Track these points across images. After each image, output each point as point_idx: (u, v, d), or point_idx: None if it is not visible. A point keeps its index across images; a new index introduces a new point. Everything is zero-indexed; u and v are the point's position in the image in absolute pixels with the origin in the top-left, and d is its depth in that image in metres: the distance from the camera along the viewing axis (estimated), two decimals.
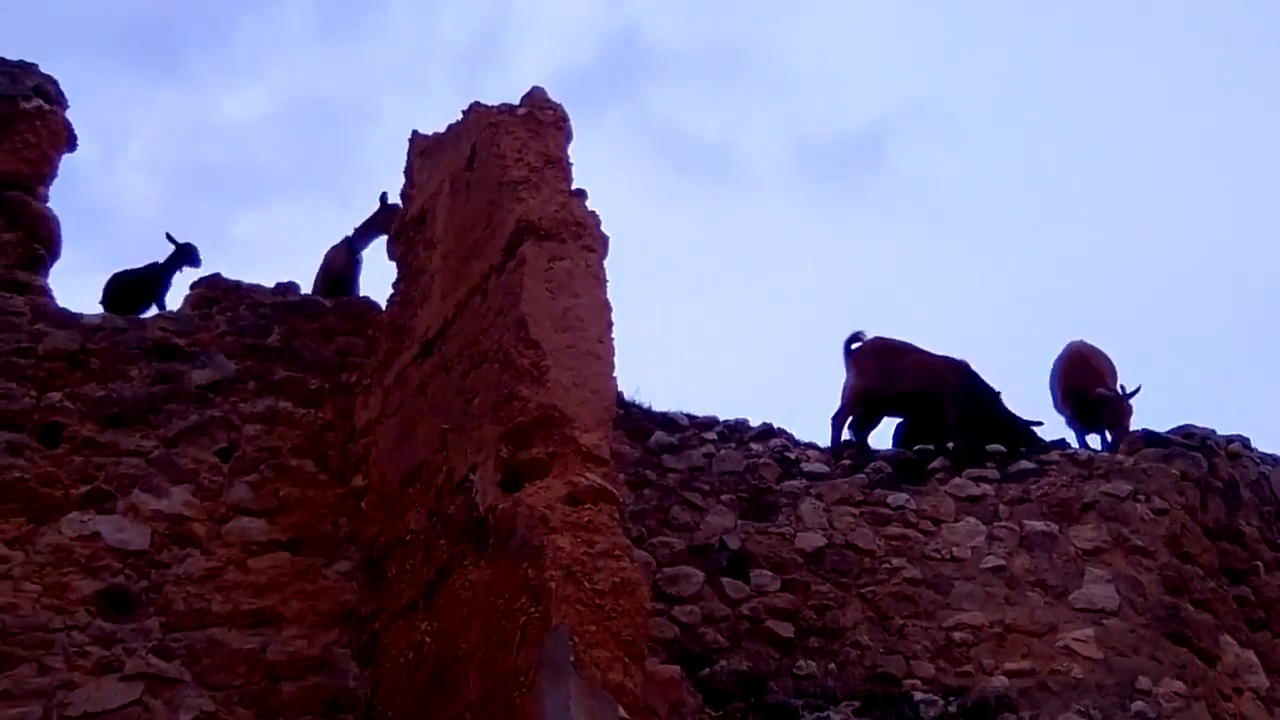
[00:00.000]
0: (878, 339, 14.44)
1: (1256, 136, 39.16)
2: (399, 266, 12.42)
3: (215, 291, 12.44)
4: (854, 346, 14.35)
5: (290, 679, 10.88)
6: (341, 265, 13.94)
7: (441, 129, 12.31)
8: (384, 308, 12.46)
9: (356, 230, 14.11)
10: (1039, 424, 14.18)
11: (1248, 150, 39.30)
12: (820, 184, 41.54)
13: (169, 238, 13.28)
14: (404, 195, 12.72)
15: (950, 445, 13.56)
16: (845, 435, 14.11)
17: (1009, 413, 14.13)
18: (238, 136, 37.78)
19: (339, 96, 40.66)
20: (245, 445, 11.69)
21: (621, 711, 8.58)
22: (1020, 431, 13.98)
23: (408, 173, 12.70)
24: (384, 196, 13.87)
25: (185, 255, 13.27)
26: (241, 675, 10.81)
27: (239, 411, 11.82)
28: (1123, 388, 14.81)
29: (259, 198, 40.54)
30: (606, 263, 10.47)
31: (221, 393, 11.86)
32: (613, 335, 10.16)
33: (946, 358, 14.24)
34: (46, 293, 12.02)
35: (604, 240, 10.50)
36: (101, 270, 13.41)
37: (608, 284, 10.35)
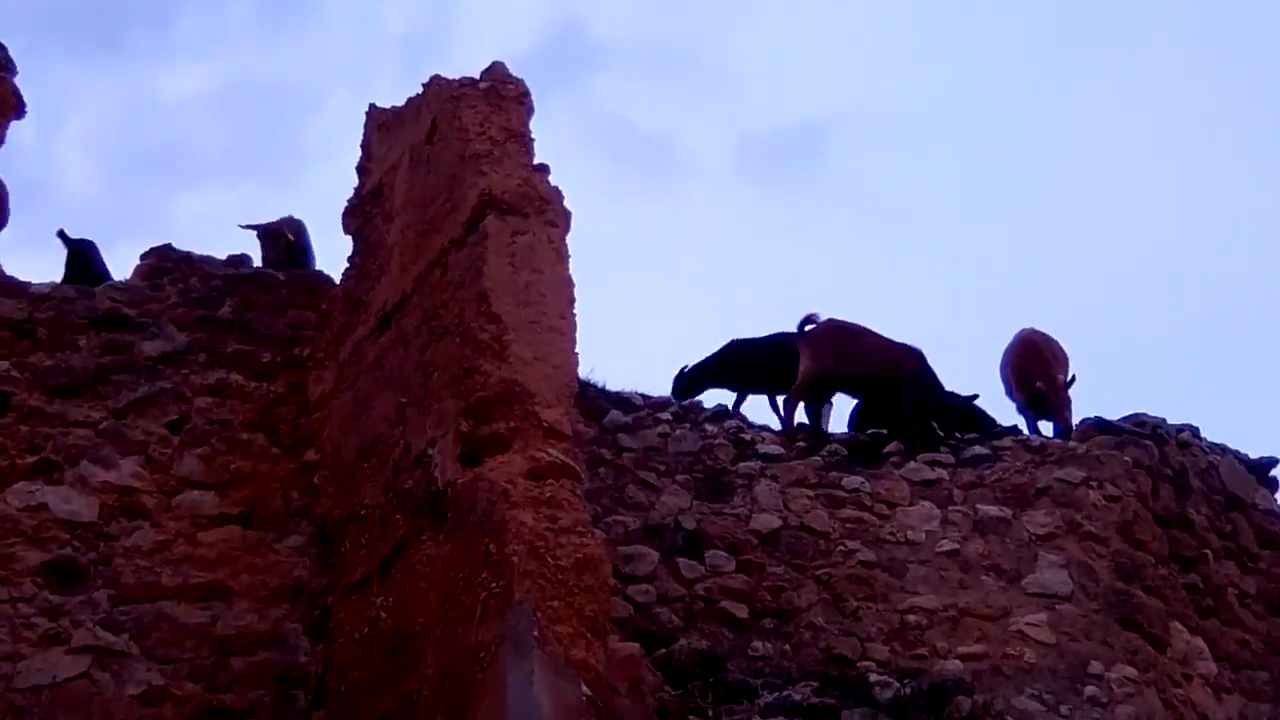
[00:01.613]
0: (831, 321, 14.39)
1: (1200, 134, 39.54)
2: (355, 240, 12.28)
3: (166, 262, 12.28)
4: (807, 329, 14.30)
5: (240, 654, 10.73)
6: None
7: (399, 104, 12.20)
8: (339, 281, 12.32)
9: None
10: (975, 396, 14.25)
11: (1190, 148, 39.61)
12: (762, 178, 41.72)
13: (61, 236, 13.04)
14: (361, 169, 12.56)
15: (911, 430, 13.56)
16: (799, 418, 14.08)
17: (959, 398, 14.19)
18: (178, 118, 37.49)
19: (281, 82, 40.45)
20: (196, 418, 11.53)
21: (584, 688, 8.52)
22: (976, 418, 14.03)
23: (365, 146, 12.55)
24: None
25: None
26: (190, 649, 10.65)
27: (189, 384, 11.66)
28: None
29: (199, 180, 40.15)
30: (569, 238, 10.40)
31: (172, 364, 11.70)
32: (575, 311, 10.08)
33: (901, 344, 14.25)
34: None
35: (567, 216, 10.42)
36: (34, 247, 13.23)
37: (570, 260, 10.27)
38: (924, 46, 41.27)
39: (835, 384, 14.13)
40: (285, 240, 13.31)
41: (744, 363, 14.73)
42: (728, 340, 14.88)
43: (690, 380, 14.57)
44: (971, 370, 15.38)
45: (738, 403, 14.67)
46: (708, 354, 14.81)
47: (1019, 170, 40.07)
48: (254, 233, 13.46)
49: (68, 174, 36.25)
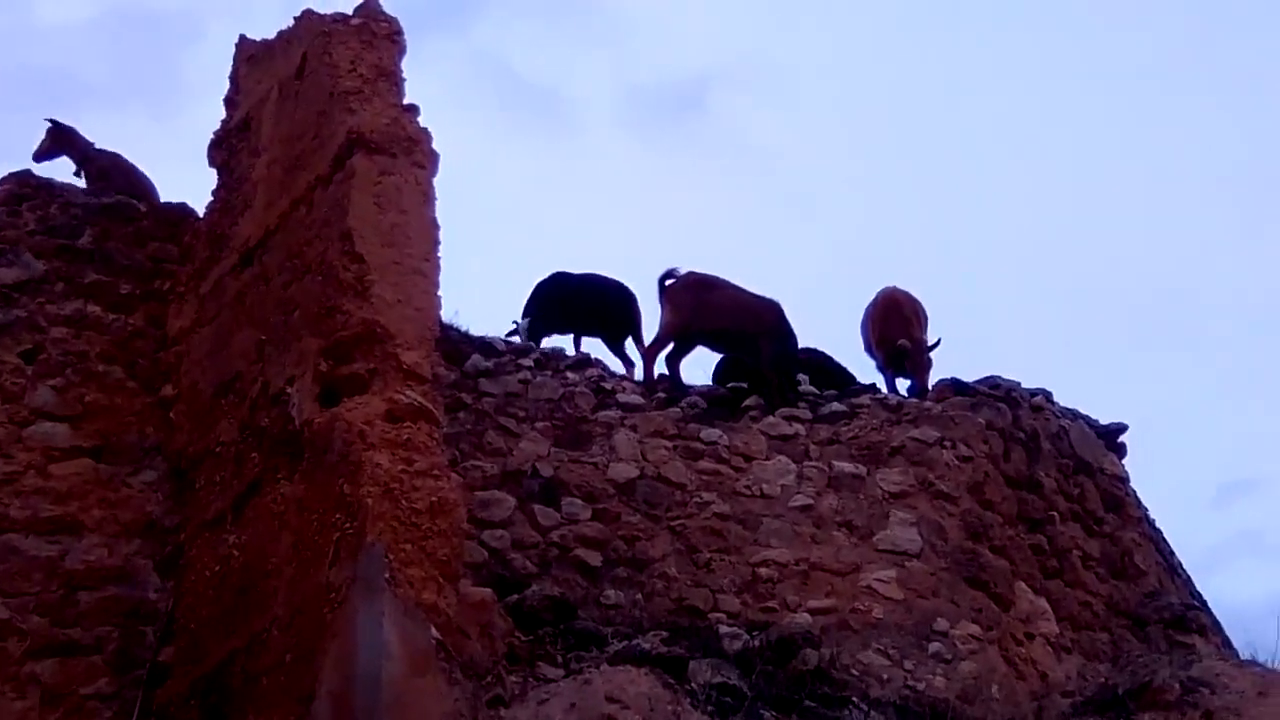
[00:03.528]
0: (691, 274, 14.44)
1: (1078, 94, 40.14)
2: (219, 173, 12.13)
3: (25, 188, 12.04)
4: (668, 283, 14.33)
5: (89, 589, 10.63)
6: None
7: (270, 36, 12.03)
8: (202, 215, 12.15)
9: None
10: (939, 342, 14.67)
11: (1067, 109, 40.25)
12: (646, 130, 41.75)
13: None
14: (229, 101, 12.38)
15: (770, 384, 13.68)
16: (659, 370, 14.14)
17: (816, 354, 14.41)
18: (56, 42, 36.65)
19: (161, 9, 39.65)
20: (51, 348, 11.35)
21: (434, 631, 8.55)
22: (834, 374, 14.21)
23: (233, 78, 12.38)
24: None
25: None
26: (38, 583, 10.53)
27: (45, 313, 11.47)
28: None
29: (75, 106, 39.32)
30: (435, 181, 10.34)
31: (28, 293, 11.50)
32: (439, 254, 10.03)
33: (761, 297, 14.33)
34: None
35: (434, 158, 10.35)
36: None
37: (436, 202, 10.22)
38: (808, 2, 41.45)
39: (695, 336, 14.19)
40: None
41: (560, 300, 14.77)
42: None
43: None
44: (846, 327, 15.49)
45: (576, 342, 14.77)
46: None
47: (899, 127, 40.44)
48: None
49: None
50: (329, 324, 9.71)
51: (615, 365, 14.19)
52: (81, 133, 13.45)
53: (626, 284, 14.96)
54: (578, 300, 14.74)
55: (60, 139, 13.37)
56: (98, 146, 13.26)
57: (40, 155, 13.17)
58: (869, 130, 40.69)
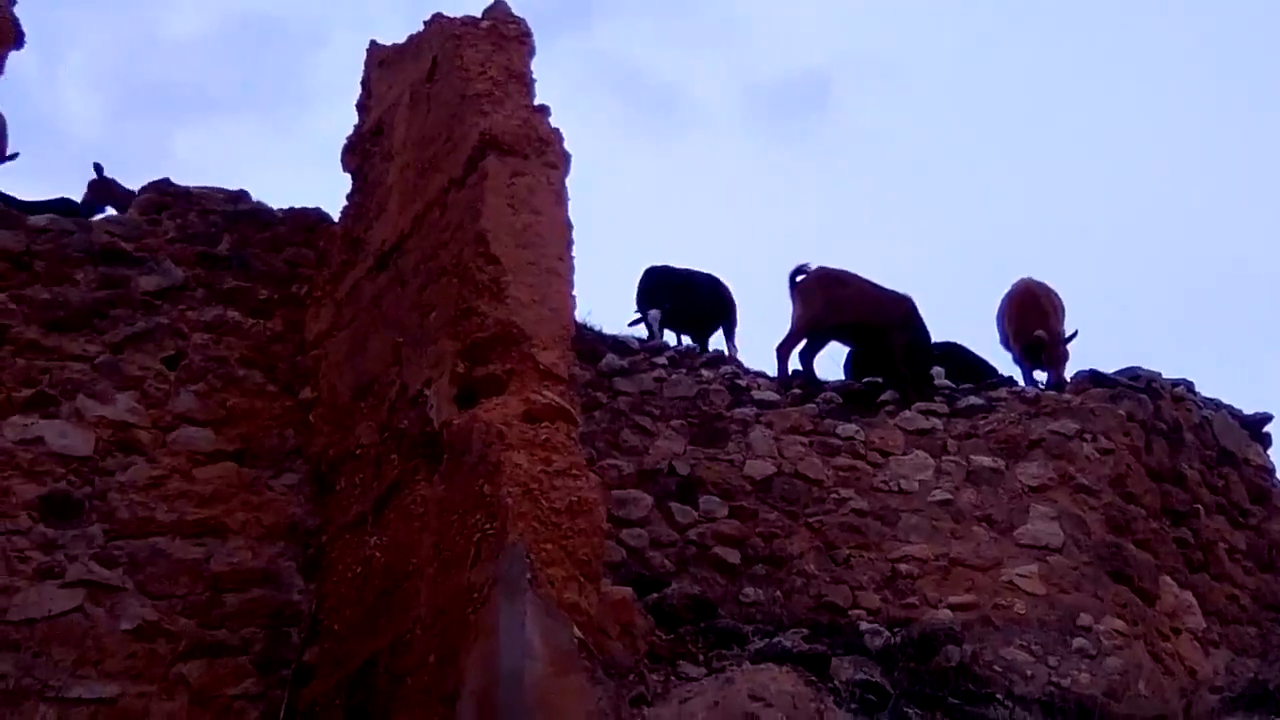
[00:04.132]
0: (822, 269, 14.45)
1: (1213, 88, 39.44)
2: (354, 178, 12.22)
3: (164, 197, 12.19)
4: (799, 279, 14.30)
5: (234, 590, 10.74)
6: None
7: (400, 41, 12.12)
8: (337, 220, 12.26)
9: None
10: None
11: (1201, 102, 39.58)
12: (767, 125, 41.68)
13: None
14: (361, 106, 12.49)
15: (903, 377, 13.58)
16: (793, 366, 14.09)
17: (955, 348, 14.28)
18: (181, 55, 37.31)
19: (285, 18, 40.25)
20: (192, 354, 11.48)
21: (576, 630, 8.54)
22: (974, 367, 14.11)
23: (365, 83, 12.47)
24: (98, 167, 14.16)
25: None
26: (184, 585, 10.65)
27: (186, 319, 11.60)
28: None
29: (201, 116, 40.00)
30: (568, 181, 10.35)
31: (169, 300, 11.63)
32: (573, 254, 10.04)
33: (891, 291, 14.28)
34: None
35: (566, 158, 10.36)
36: (35, 181, 13.22)
37: (569, 202, 10.23)
38: None
39: (828, 332, 14.14)
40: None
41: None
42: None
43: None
44: (973, 319, 15.39)
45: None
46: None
47: (1025, 119, 40.02)
48: None
49: (69, 108, 36.12)
50: (465, 325, 9.74)
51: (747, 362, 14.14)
52: (120, 183, 13.77)
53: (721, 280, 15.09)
54: (685, 294, 14.83)
55: (100, 191, 13.74)
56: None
57: (84, 208, 13.41)
58: (994, 121, 40.34)
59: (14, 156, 13.01)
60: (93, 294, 11.44)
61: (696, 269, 15.31)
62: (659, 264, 15.19)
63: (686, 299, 14.90)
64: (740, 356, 14.17)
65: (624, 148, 37.13)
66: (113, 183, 14.12)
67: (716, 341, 15.14)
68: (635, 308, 14.79)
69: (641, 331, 14.36)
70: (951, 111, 40.67)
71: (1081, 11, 40.67)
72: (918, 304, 14.20)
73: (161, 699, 10.29)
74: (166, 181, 12.34)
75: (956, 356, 14.68)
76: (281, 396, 11.58)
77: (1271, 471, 14.87)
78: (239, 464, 11.21)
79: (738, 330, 15.29)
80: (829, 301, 14.11)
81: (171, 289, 11.69)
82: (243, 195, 12.44)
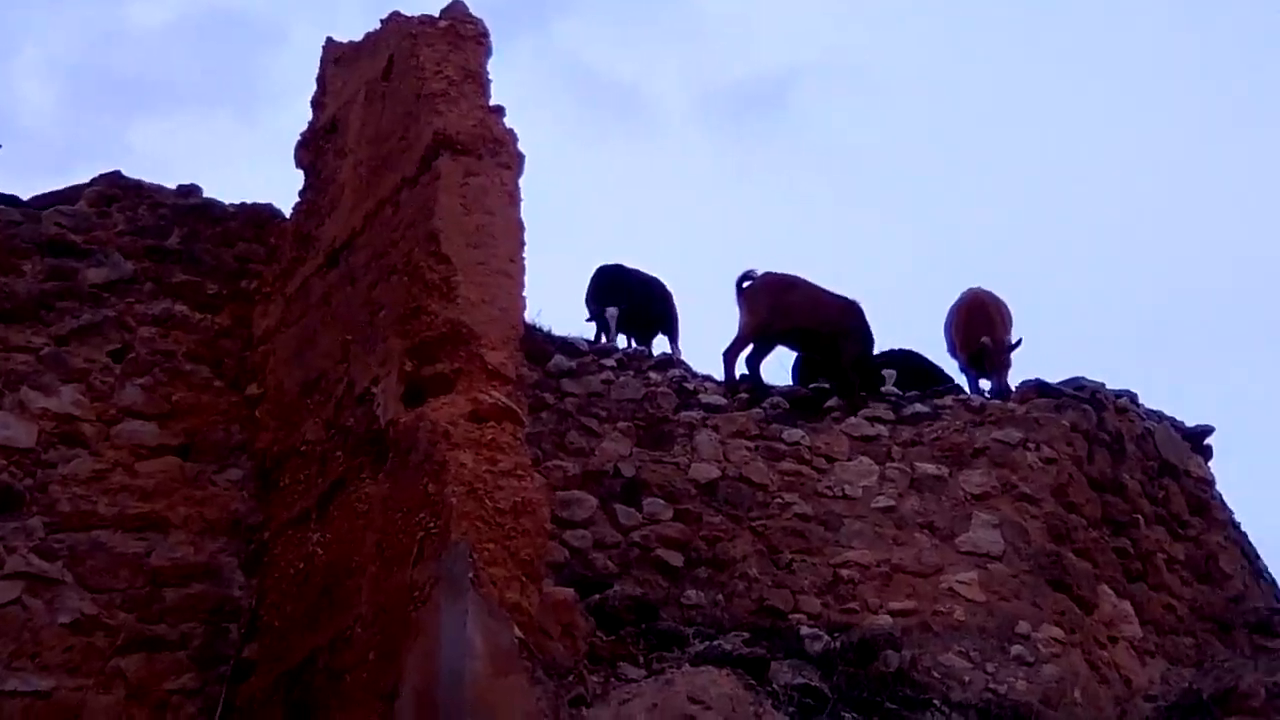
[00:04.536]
0: (769, 274, 14.42)
1: (1174, 101, 39.77)
2: (307, 175, 12.21)
3: (114, 189, 12.13)
4: (745, 284, 14.31)
5: (174, 585, 10.73)
6: None
7: (357, 38, 12.11)
8: (288, 216, 12.25)
9: None
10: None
11: (1159, 114, 39.89)
12: (725, 129, 41.80)
13: None
14: (316, 103, 12.47)
15: (851, 383, 13.65)
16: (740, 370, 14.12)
17: (910, 355, 14.40)
18: (143, 47, 37.12)
19: (246, 12, 40.08)
20: (139, 347, 11.46)
21: (516, 630, 8.57)
22: (929, 374, 14.23)
23: (321, 80, 12.46)
24: None
25: None
26: (124, 579, 10.64)
27: (134, 313, 11.58)
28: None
29: (160, 109, 39.79)
30: (521, 182, 10.37)
31: (116, 293, 11.61)
32: (524, 255, 10.05)
33: (840, 296, 14.30)
34: None
35: (520, 159, 10.36)
36: None
37: (522, 203, 10.25)
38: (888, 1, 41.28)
39: (774, 337, 14.17)
40: None
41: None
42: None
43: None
44: (930, 325, 15.46)
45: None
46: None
47: (984, 126, 40.20)
48: None
49: (25, 100, 35.84)
50: (414, 324, 9.76)
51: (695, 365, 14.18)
52: None
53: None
54: (639, 295, 14.89)
55: None
56: None
57: None
58: (952, 127, 40.45)
59: None
60: (40, 285, 11.40)
61: (643, 270, 15.34)
62: (611, 263, 15.22)
63: (640, 300, 14.93)
64: (686, 359, 14.17)
65: (580, 148, 37.14)
66: None
67: (659, 344, 15.17)
68: (587, 306, 14.81)
69: (590, 332, 14.40)
70: (910, 118, 40.84)
71: (1043, 19, 40.84)
72: (866, 310, 14.25)
73: (98, 693, 10.28)
74: (117, 174, 12.29)
75: (911, 362, 14.75)
76: (228, 392, 11.57)
77: (1211, 483, 14.99)
78: (183, 458, 11.20)
79: (681, 333, 15.34)
80: (775, 306, 14.11)
81: (119, 282, 11.66)
82: (194, 189, 12.40)
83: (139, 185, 12.18)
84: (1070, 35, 41.12)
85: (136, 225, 11.95)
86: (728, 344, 14.07)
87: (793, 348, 14.52)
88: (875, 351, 14.29)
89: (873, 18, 41.58)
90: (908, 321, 16.21)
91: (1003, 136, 39.86)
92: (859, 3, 41.19)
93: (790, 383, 14.28)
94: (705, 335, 15.70)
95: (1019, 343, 14.81)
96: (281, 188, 12.87)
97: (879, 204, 38.42)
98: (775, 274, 14.42)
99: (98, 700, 10.25)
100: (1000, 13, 40.29)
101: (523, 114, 10.63)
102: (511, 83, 10.80)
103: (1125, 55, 40.33)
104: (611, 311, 14.45)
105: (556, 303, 17.91)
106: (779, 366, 14.60)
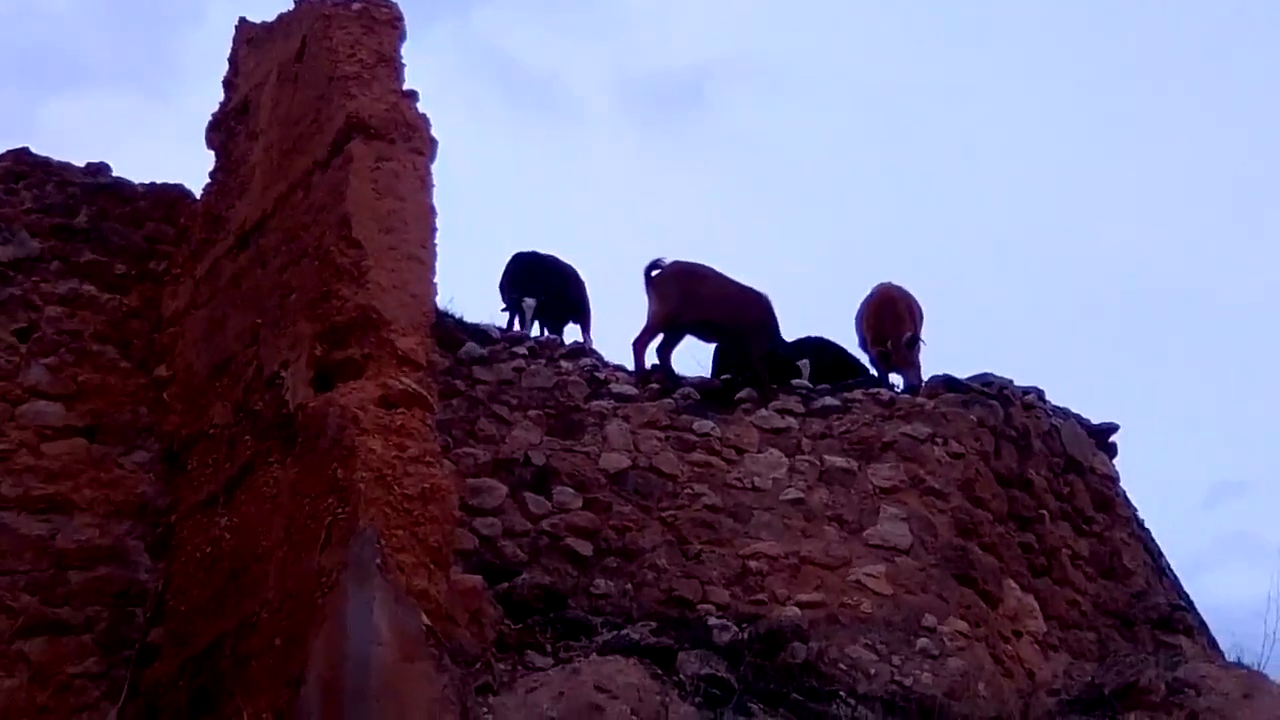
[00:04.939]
0: (677, 264, 14.38)
1: (1080, 97, 40.20)
2: (217, 156, 12.09)
3: (22, 166, 11.99)
4: (654, 273, 14.27)
5: (79, 568, 10.65)
6: None
7: (271, 19, 12.01)
8: (199, 197, 12.13)
9: None
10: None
11: (1068, 108, 40.31)
12: (643, 120, 41.88)
13: None
14: (228, 83, 12.35)
15: (759, 375, 13.70)
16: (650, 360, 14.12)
17: (828, 345, 14.49)
18: (55, 22, 36.58)
19: None
20: (45, 327, 11.34)
21: (424, 617, 8.56)
22: (850, 367, 14.32)
23: (233, 60, 12.34)
24: None
25: None
26: (28, 561, 10.56)
27: (40, 291, 11.45)
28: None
29: (71, 87, 39.23)
30: (434, 168, 10.31)
31: (23, 271, 11.49)
32: (436, 240, 10.01)
33: (749, 288, 14.32)
34: None
35: (433, 144, 10.30)
36: None
37: (434, 188, 10.20)
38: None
39: (683, 327, 14.18)
40: None
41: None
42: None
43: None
44: (844, 319, 15.51)
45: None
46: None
47: (898, 122, 40.47)
48: None
49: None
50: (324, 308, 9.69)
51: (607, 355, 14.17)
52: None
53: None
54: (556, 283, 14.87)
55: None
56: None
57: None
58: (865, 123, 40.77)
59: None
60: None
61: (558, 257, 15.31)
62: (527, 250, 15.18)
63: (555, 288, 14.90)
64: (598, 348, 14.15)
65: (499, 137, 37.04)
66: None
67: (571, 333, 15.16)
68: (501, 293, 14.77)
69: (503, 319, 14.36)
70: (821, 112, 41.16)
71: (958, 15, 41.16)
72: (774, 303, 14.28)
73: (1, 676, 10.16)
74: (25, 150, 12.14)
75: (825, 352, 14.79)
76: (135, 373, 11.47)
77: (1116, 480, 15.14)
78: (89, 440, 11.11)
79: (593, 322, 15.33)
80: (684, 296, 14.09)
81: (26, 260, 11.53)
82: (103, 168, 12.27)
83: (47, 162, 12.03)
84: (974, 29, 41.51)
85: (44, 203, 11.81)
86: (637, 334, 14.08)
87: (702, 338, 14.53)
88: (789, 340, 14.33)
89: (787, 15, 41.79)
90: (820, 312, 16.23)
91: (912, 131, 40.19)
92: (773, 3, 41.32)
93: (703, 374, 14.28)
94: (618, 325, 15.67)
95: (916, 337, 14.84)
96: (194, 169, 12.73)
97: (793, 198, 38.66)
98: (684, 263, 14.39)
99: (0, 684, 10.14)
100: (908, 7, 40.65)
101: (440, 100, 10.59)
102: (429, 69, 10.76)
103: (1027, 48, 40.84)
104: (529, 303, 14.40)
105: (468, 289, 17.81)
106: (691, 360, 14.62)
